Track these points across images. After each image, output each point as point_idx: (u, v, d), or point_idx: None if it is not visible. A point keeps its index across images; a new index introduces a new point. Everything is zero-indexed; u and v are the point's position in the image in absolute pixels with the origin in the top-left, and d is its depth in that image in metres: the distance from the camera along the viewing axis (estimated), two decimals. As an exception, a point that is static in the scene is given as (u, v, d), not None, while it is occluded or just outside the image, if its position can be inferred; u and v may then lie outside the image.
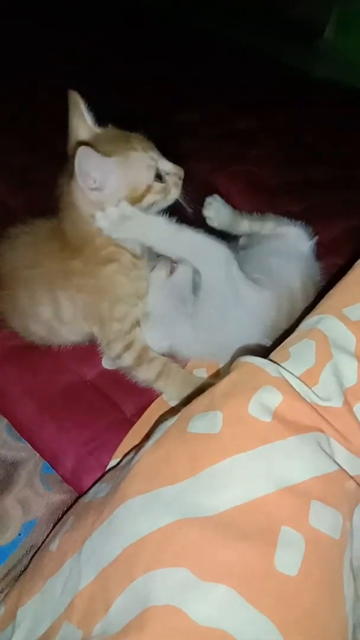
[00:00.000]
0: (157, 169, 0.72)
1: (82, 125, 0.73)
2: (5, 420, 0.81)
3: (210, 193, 1.32)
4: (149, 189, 0.72)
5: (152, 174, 0.72)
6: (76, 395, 0.79)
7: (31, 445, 0.77)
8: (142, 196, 0.72)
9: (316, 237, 0.91)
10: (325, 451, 0.50)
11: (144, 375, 0.76)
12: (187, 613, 0.42)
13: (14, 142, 1.43)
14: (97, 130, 0.74)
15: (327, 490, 0.48)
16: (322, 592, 0.44)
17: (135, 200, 0.71)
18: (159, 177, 0.72)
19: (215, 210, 0.91)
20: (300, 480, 0.47)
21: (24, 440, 0.78)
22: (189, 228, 0.73)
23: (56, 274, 0.75)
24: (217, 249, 0.72)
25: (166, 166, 0.74)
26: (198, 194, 1.29)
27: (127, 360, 0.76)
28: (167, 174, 0.74)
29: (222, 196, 1.25)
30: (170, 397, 0.77)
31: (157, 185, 0.72)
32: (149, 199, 0.72)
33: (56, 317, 0.77)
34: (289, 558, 0.44)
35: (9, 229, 0.83)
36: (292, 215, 1.07)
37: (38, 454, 0.77)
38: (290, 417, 0.50)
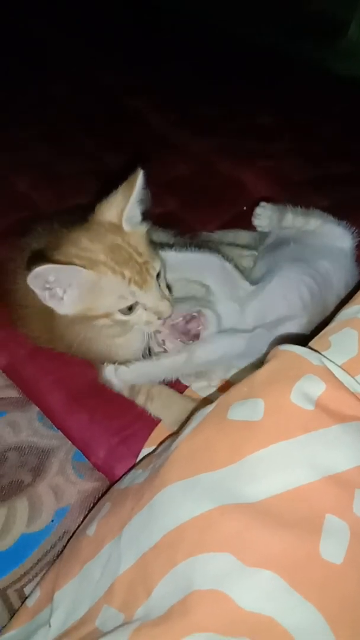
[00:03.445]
0: (135, 302, 0.64)
1: (116, 208, 0.66)
2: (37, 409, 0.82)
3: (235, 188, 1.33)
4: (106, 315, 0.64)
5: (120, 305, 0.64)
6: (106, 387, 0.79)
7: (63, 433, 0.78)
8: (95, 317, 0.64)
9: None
10: (368, 440, 0.49)
11: (132, 398, 0.76)
12: (233, 598, 0.42)
13: (37, 137, 1.45)
14: (124, 225, 0.66)
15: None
16: (368, 581, 0.44)
17: (85, 319, 0.64)
18: (130, 308, 0.65)
19: (268, 219, 0.92)
20: (344, 469, 0.47)
21: (55, 428, 0.79)
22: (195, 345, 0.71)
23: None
24: (210, 263, 0.75)
25: (150, 302, 0.65)
26: (223, 190, 1.30)
27: (117, 387, 0.76)
28: (146, 308, 0.66)
29: (249, 193, 1.25)
30: (158, 417, 0.75)
31: (118, 316, 0.64)
32: (101, 322, 0.65)
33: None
34: (333, 546, 0.44)
35: (35, 224, 0.84)
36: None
37: (69, 442, 0.78)
38: (333, 406, 0.50)
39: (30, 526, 0.70)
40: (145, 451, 0.72)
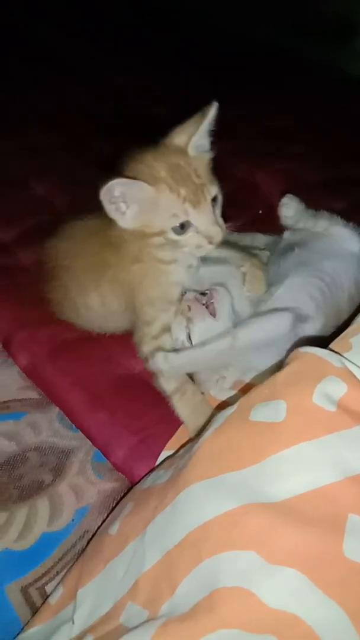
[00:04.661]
0: (188, 222, 0.67)
1: (186, 134, 0.71)
2: (57, 410, 0.83)
3: (250, 191, 1.34)
4: (160, 233, 0.68)
5: (173, 223, 0.67)
6: (127, 387, 0.80)
7: (83, 433, 0.79)
8: (151, 235, 0.68)
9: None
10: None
11: (163, 385, 0.76)
12: (257, 595, 0.42)
13: (57, 144, 1.47)
14: (189, 150, 0.70)
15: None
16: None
17: (142, 236, 0.69)
18: (182, 227, 0.68)
19: (294, 209, 0.92)
20: (367, 470, 0.47)
21: (75, 429, 0.80)
22: (240, 328, 0.71)
23: (99, 265, 0.77)
24: (280, 327, 0.71)
25: (201, 224, 0.68)
26: (238, 193, 1.31)
27: (154, 364, 0.76)
28: (197, 232, 0.69)
29: (264, 195, 1.26)
30: (182, 417, 0.75)
31: (170, 235, 0.68)
32: (156, 241, 0.69)
33: (104, 306, 0.79)
34: (357, 545, 0.44)
35: (58, 226, 0.86)
36: (335, 212, 1.06)
37: (89, 443, 0.79)
38: (355, 408, 0.50)
39: (51, 525, 0.71)
40: (164, 454, 0.72)
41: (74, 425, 0.80)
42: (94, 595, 0.55)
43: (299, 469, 0.48)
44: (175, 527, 0.50)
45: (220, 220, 0.71)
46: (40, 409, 0.84)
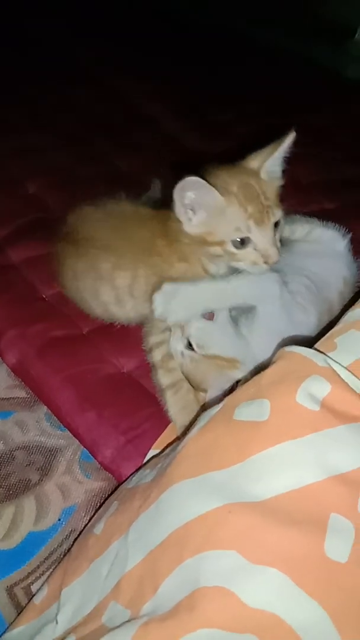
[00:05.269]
0: (248, 238, 0.70)
1: (261, 159, 0.75)
2: (45, 409, 0.83)
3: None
4: (220, 243, 0.71)
5: (234, 236, 0.70)
6: (115, 386, 0.80)
7: (71, 432, 0.78)
8: (211, 244, 0.72)
9: (350, 234, 0.90)
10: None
11: (160, 378, 0.77)
12: (238, 595, 0.42)
13: (55, 142, 1.46)
14: (261, 173, 0.74)
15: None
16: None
17: (202, 243, 0.73)
18: (242, 242, 0.71)
19: None
20: (350, 469, 0.47)
21: (62, 428, 0.80)
22: (234, 277, 0.73)
23: (144, 249, 0.79)
24: (269, 286, 0.72)
25: (261, 243, 0.71)
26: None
27: (156, 356, 0.77)
28: (255, 249, 0.71)
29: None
30: (171, 413, 0.75)
31: (229, 247, 0.71)
32: (213, 250, 0.73)
33: (130, 287, 0.80)
34: (338, 545, 0.44)
35: (53, 223, 0.86)
36: (327, 213, 1.06)
37: (76, 442, 0.78)
38: (338, 407, 0.50)
39: (37, 524, 0.71)
40: (152, 453, 0.72)
41: (61, 425, 0.80)
42: (77, 595, 0.55)
43: (282, 468, 0.48)
44: (159, 526, 0.50)
45: (279, 244, 0.73)
46: (28, 408, 0.84)
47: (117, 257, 0.80)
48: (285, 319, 0.72)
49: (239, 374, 0.73)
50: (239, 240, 0.70)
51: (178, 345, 0.75)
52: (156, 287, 0.73)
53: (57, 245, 0.88)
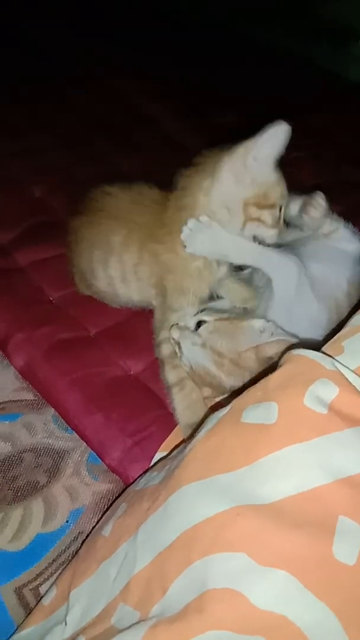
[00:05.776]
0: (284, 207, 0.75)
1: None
2: (52, 411, 0.83)
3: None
4: (274, 206, 0.74)
5: (281, 202, 0.75)
6: (122, 388, 0.81)
7: (78, 435, 0.79)
8: (265, 206, 0.74)
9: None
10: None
11: (166, 374, 0.78)
12: (247, 596, 0.42)
13: (53, 142, 1.47)
14: None
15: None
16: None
17: (258, 205, 0.74)
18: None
19: (322, 211, 0.91)
20: (357, 472, 0.47)
21: (70, 430, 0.81)
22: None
23: (150, 233, 0.80)
24: (290, 264, 0.75)
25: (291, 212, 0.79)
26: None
27: (165, 351, 0.78)
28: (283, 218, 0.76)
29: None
30: (177, 412, 0.76)
31: (276, 212, 0.75)
32: (266, 214, 0.74)
33: (135, 269, 0.82)
34: (346, 547, 0.44)
35: (58, 226, 0.87)
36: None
37: (84, 445, 0.79)
38: (346, 410, 0.50)
39: (45, 526, 0.71)
40: (159, 455, 0.73)
41: (69, 427, 0.81)
42: (86, 596, 0.55)
43: (289, 471, 0.48)
44: (167, 528, 0.50)
45: (282, 226, 0.78)
46: (35, 410, 0.84)
47: (129, 235, 0.82)
48: (297, 300, 0.74)
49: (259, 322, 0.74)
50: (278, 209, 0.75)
51: (190, 322, 0.76)
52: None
53: (76, 219, 0.89)
